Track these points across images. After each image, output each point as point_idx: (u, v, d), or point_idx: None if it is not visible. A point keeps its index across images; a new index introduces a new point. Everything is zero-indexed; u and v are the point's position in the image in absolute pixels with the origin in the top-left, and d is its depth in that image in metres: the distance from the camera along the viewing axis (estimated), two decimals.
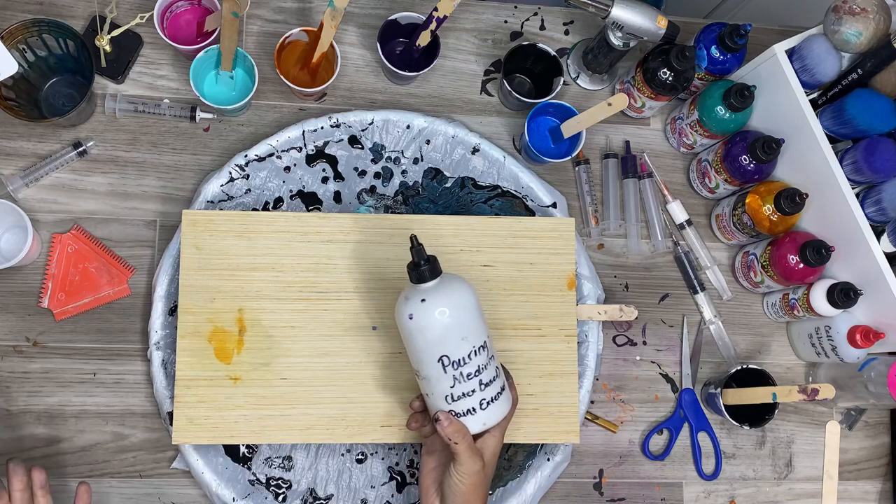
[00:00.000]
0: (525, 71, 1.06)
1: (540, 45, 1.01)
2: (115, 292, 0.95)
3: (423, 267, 0.76)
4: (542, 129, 1.02)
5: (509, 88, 0.99)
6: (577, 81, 1.08)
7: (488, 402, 0.78)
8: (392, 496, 0.94)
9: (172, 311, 0.93)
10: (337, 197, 0.98)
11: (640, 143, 1.08)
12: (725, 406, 0.98)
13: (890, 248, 0.92)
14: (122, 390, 0.94)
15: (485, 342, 0.78)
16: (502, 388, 0.80)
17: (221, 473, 0.91)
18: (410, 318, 0.75)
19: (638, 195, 1.05)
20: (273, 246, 0.91)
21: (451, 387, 0.77)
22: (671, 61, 0.95)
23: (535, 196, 1.01)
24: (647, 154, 1.07)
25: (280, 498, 0.92)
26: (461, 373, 0.76)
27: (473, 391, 0.77)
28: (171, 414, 0.90)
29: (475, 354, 0.77)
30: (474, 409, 0.78)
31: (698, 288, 1.04)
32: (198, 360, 0.89)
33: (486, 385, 0.78)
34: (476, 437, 0.79)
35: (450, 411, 0.77)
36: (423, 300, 0.75)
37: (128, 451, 0.94)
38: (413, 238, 0.77)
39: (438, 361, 0.76)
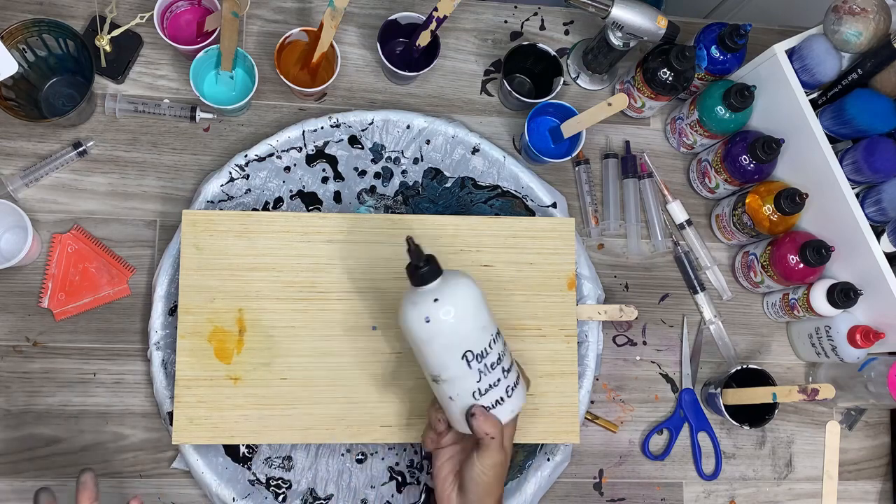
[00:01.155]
0: (525, 71, 1.06)
1: (540, 45, 1.01)
2: (115, 292, 0.95)
3: (425, 268, 0.74)
4: (542, 129, 1.02)
5: (509, 88, 0.99)
6: (577, 81, 1.08)
7: (513, 388, 0.77)
8: (392, 496, 0.94)
9: (172, 311, 0.93)
10: (337, 197, 0.98)
11: (640, 143, 1.08)
12: (725, 406, 0.98)
13: (890, 248, 0.92)
14: (122, 390, 0.94)
15: (497, 329, 0.77)
16: (518, 373, 0.79)
17: (221, 473, 0.91)
18: (428, 322, 0.73)
19: (638, 195, 1.05)
20: (273, 246, 0.91)
21: (478, 381, 0.75)
22: (671, 61, 0.95)
23: (535, 196, 1.01)
24: (647, 154, 1.07)
25: (280, 498, 0.92)
26: (485, 364, 0.75)
27: (499, 380, 0.76)
28: (171, 414, 0.90)
29: (494, 343, 0.76)
30: (502, 399, 0.77)
31: (698, 288, 1.04)
32: (198, 360, 0.89)
33: (508, 371, 0.77)
34: None
35: (472, 405, 0.76)
36: (435, 300, 0.73)
37: (128, 451, 0.94)
38: (409, 240, 0.74)
39: (462, 358, 0.74)
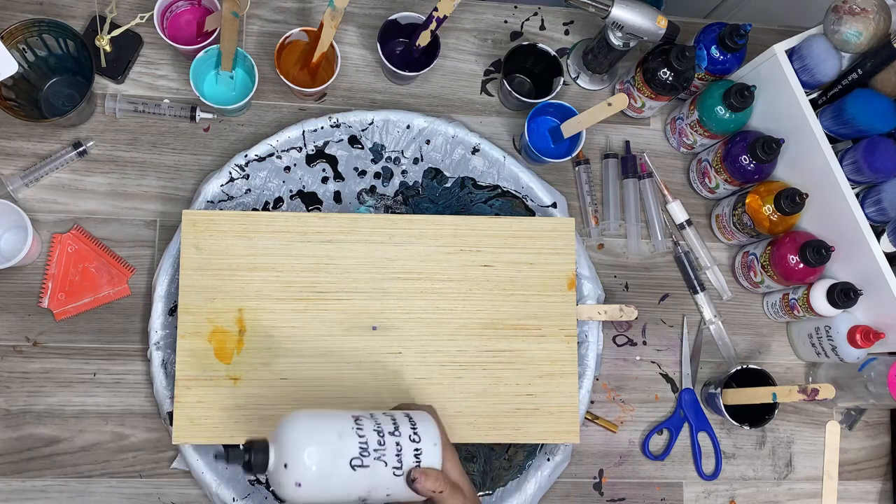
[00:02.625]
0: (525, 71, 1.06)
1: (540, 45, 1.01)
2: (115, 292, 0.95)
3: (254, 456, 0.68)
4: (542, 129, 1.02)
5: (509, 88, 0.99)
6: (577, 81, 1.08)
7: (414, 433, 0.73)
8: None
9: (172, 311, 0.93)
10: (337, 197, 0.98)
11: (640, 143, 1.08)
12: (725, 406, 0.98)
13: (890, 248, 0.92)
14: (122, 390, 0.94)
15: (350, 415, 0.73)
16: (409, 417, 0.74)
17: (221, 473, 0.91)
18: (300, 486, 0.68)
19: (638, 195, 1.05)
20: (273, 246, 0.91)
21: (385, 466, 0.70)
22: (671, 61, 0.95)
23: (535, 196, 1.01)
24: (647, 154, 1.07)
25: (280, 498, 0.92)
26: (374, 449, 0.71)
27: (398, 443, 0.72)
28: (171, 414, 0.90)
29: (360, 428, 0.71)
30: (417, 451, 0.72)
31: (698, 288, 1.04)
32: (198, 360, 0.89)
33: (395, 429, 0.73)
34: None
35: (405, 474, 0.71)
36: (285, 465, 0.68)
37: (128, 451, 0.94)
38: (224, 454, 0.68)
39: (357, 468, 0.69)
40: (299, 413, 0.71)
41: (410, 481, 0.71)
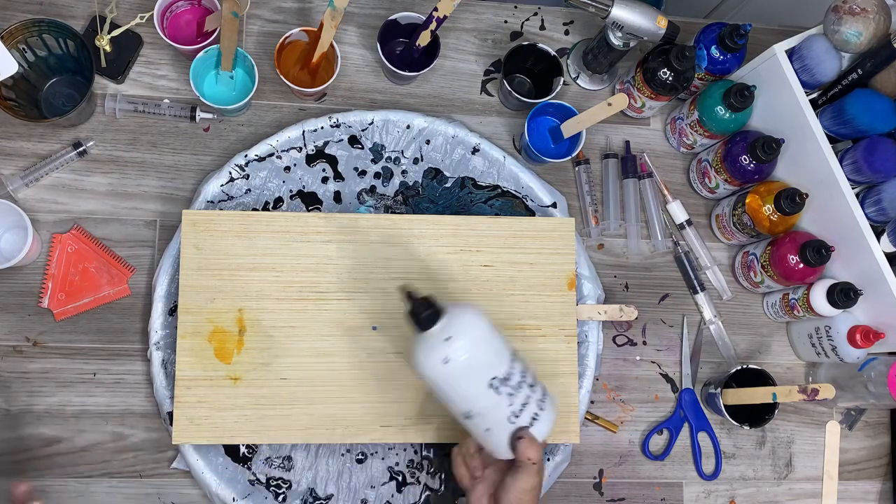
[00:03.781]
0: (525, 71, 1.06)
1: (540, 45, 1.01)
2: (115, 292, 0.95)
3: (428, 311, 0.73)
4: (542, 129, 1.02)
5: (509, 88, 0.99)
6: (577, 81, 1.08)
7: (542, 401, 0.77)
8: (392, 496, 0.94)
9: (172, 311, 0.93)
10: (337, 197, 0.98)
11: (640, 143, 1.08)
12: (725, 406, 0.98)
13: (890, 248, 0.92)
14: (122, 390, 0.94)
15: (513, 347, 0.77)
16: (544, 388, 0.79)
17: (221, 473, 0.91)
18: (447, 363, 0.72)
19: (638, 195, 1.05)
20: (273, 246, 0.91)
21: (509, 405, 0.74)
22: (671, 61, 0.95)
23: (535, 196, 1.01)
24: (647, 154, 1.07)
25: (280, 498, 0.92)
26: (512, 385, 0.75)
27: (528, 398, 0.76)
28: (171, 414, 0.90)
29: (513, 362, 0.76)
30: (537, 415, 0.76)
31: (698, 288, 1.04)
32: (198, 360, 0.89)
33: (534, 386, 0.77)
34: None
35: (518, 429, 0.75)
36: (447, 339, 0.72)
37: (128, 451, 0.94)
38: (405, 291, 0.73)
39: (489, 387, 0.73)
40: (477, 309, 0.75)
41: (516, 438, 0.75)
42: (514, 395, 0.75)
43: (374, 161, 0.99)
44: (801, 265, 0.94)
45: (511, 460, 0.77)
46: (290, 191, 0.97)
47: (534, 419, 0.76)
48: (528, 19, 1.09)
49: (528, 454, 0.74)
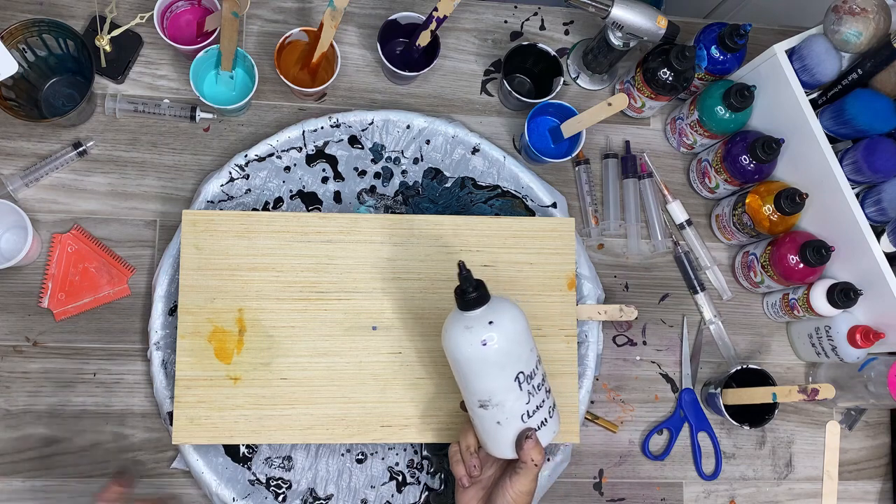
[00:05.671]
0: (525, 71, 1.06)
1: (540, 45, 1.01)
2: (115, 292, 0.95)
3: (477, 293, 0.73)
4: (542, 129, 1.02)
5: (509, 88, 0.99)
6: (577, 81, 1.08)
7: (553, 409, 0.78)
8: (392, 496, 0.94)
9: (172, 311, 0.93)
10: (337, 197, 0.98)
11: (640, 143, 1.08)
12: (725, 406, 0.98)
13: (890, 248, 0.92)
14: (122, 390, 0.94)
15: (538, 352, 0.78)
16: (553, 398, 0.80)
17: (221, 473, 0.91)
18: (485, 345, 0.72)
19: (638, 195, 1.05)
20: (273, 246, 0.91)
21: (527, 403, 0.75)
22: (671, 61, 0.95)
23: (535, 196, 1.01)
24: (647, 154, 1.07)
25: (280, 498, 0.92)
26: (534, 385, 0.75)
27: (543, 401, 0.76)
28: (171, 414, 0.90)
29: (539, 364, 0.76)
30: (546, 421, 0.77)
31: (698, 288, 1.04)
32: (198, 360, 0.89)
33: (549, 392, 0.78)
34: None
35: (527, 429, 0.75)
36: (490, 322, 0.72)
37: (128, 451, 0.94)
38: (461, 265, 0.73)
39: (515, 380, 0.74)
40: (519, 307, 0.76)
41: (524, 437, 0.75)
42: (532, 395, 0.75)
43: (374, 161, 0.99)
44: (801, 265, 0.94)
45: (508, 463, 0.77)
46: (290, 191, 0.97)
47: (542, 424, 0.77)
48: (528, 19, 1.09)
49: (532, 455, 0.75)
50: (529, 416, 0.76)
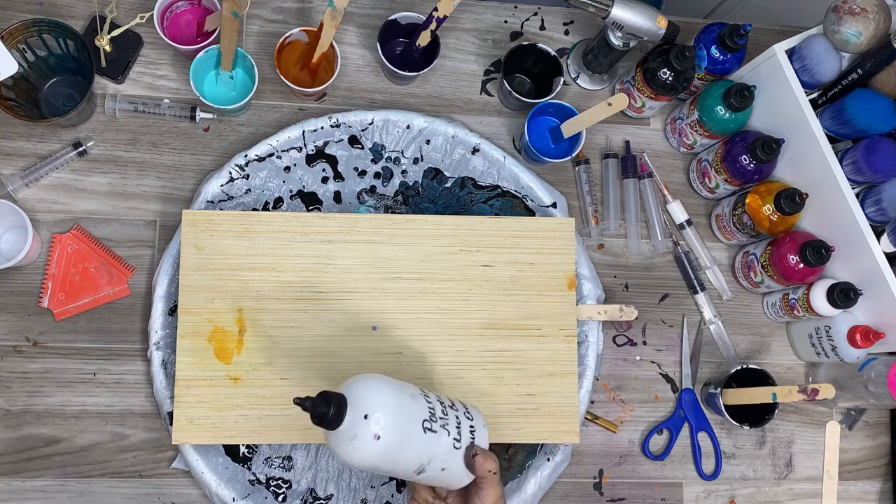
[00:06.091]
0: (525, 71, 1.06)
1: (540, 45, 1.01)
2: (115, 292, 0.95)
3: (332, 407, 0.67)
4: (542, 129, 1.02)
5: (509, 88, 0.99)
6: (577, 81, 1.08)
7: (466, 412, 0.76)
8: (392, 496, 0.94)
9: (172, 311, 0.93)
10: (337, 197, 0.98)
11: (640, 143, 1.08)
12: (725, 406, 0.98)
13: (890, 248, 0.92)
14: (122, 390, 0.94)
15: (413, 386, 0.74)
16: (460, 400, 0.78)
17: (221, 473, 0.91)
18: (379, 438, 0.67)
19: (638, 195, 1.05)
20: (273, 246, 0.91)
21: (448, 434, 0.72)
22: (671, 61, 0.95)
23: (535, 196, 1.01)
24: (647, 154, 1.07)
25: (280, 498, 0.92)
26: (440, 415, 0.72)
27: (457, 416, 0.74)
28: (171, 414, 0.90)
29: (426, 395, 0.73)
30: (472, 428, 0.75)
31: (698, 288, 1.04)
32: (198, 360, 0.89)
33: (452, 404, 0.76)
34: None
35: (466, 449, 0.74)
36: (365, 416, 0.67)
37: (128, 451, 0.94)
38: (298, 402, 0.67)
39: (425, 432, 0.70)
40: (368, 374, 0.72)
41: (472, 456, 0.73)
42: (446, 424, 0.73)
43: (374, 161, 0.99)
44: (801, 265, 0.94)
45: (477, 482, 0.75)
46: (290, 191, 0.97)
47: (471, 432, 0.75)
48: (528, 19, 1.09)
49: (487, 467, 0.73)
50: (459, 441, 0.73)
